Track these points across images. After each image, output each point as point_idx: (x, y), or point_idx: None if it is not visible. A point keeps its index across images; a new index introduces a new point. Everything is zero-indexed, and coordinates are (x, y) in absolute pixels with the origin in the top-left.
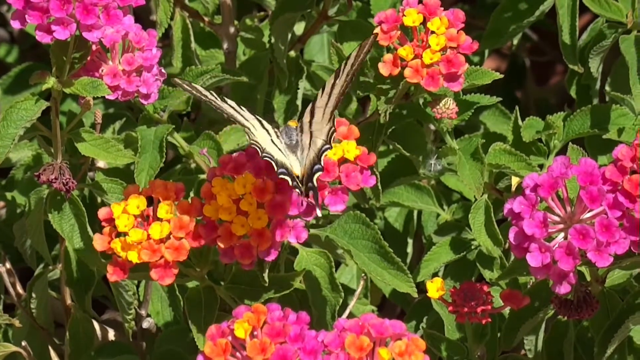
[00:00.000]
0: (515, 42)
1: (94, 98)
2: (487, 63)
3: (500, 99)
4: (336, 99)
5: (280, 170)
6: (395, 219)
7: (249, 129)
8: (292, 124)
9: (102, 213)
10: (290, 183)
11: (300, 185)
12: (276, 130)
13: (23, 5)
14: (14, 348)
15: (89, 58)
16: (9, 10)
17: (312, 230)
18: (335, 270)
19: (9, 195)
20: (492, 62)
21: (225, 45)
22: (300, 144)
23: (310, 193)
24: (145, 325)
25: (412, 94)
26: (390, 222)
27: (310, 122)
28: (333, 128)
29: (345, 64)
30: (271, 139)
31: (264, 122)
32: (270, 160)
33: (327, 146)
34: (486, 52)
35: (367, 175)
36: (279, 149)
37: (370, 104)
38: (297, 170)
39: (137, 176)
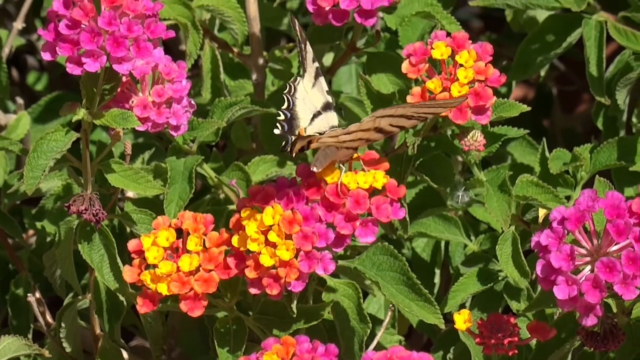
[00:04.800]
0: (542, 73)
1: (123, 128)
2: (515, 92)
3: (527, 131)
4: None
5: (283, 118)
6: (423, 249)
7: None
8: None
9: (131, 245)
10: (278, 130)
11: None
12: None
13: (54, 37)
14: None
15: (119, 90)
16: (38, 39)
17: (340, 262)
18: (363, 301)
19: (38, 224)
20: (520, 90)
21: (254, 76)
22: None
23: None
24: (174, 354)
25: (440, 126)
26: (418, 252)
27: None
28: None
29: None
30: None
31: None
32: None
33: (308, 138)
34: (514, 82)
35: (396, 208)
36: (309, 108)
37: (399, 135)
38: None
39: (166, 207)
